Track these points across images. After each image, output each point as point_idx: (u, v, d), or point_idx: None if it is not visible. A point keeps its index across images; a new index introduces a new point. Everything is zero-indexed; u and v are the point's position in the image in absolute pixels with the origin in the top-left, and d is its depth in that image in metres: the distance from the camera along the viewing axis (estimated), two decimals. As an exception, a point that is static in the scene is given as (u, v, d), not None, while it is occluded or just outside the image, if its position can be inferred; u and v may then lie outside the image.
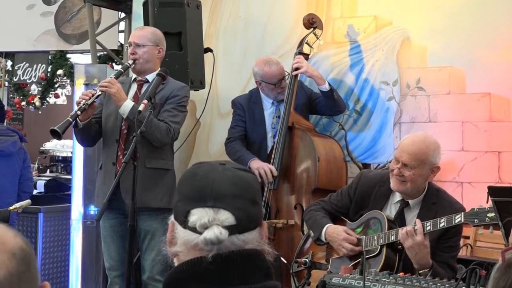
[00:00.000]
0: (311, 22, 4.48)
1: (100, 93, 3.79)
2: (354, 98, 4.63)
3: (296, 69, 4.34)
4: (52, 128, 3.67)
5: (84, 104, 3.72)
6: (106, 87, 3.77)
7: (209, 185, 1.42)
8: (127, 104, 3.79)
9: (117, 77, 3.87)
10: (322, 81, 4.32)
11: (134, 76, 4.05)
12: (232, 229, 1.39)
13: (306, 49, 4.45)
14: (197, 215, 1.40)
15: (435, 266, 2.93)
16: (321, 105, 4.44)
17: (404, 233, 2.92)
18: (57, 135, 3.69)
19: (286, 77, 4.46)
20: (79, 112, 3.72)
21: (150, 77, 3.97)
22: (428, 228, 2.92)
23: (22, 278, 1.10)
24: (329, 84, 4.33)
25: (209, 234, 1.37)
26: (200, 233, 1.39)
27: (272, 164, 4.24)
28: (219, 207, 1.40)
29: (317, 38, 4.47)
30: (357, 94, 4.62)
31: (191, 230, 1.41)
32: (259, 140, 4.49)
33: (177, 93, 3.93)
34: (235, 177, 1.44)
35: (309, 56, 4.47)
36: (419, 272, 2.88)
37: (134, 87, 4.03)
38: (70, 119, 3.71)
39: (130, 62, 3.95)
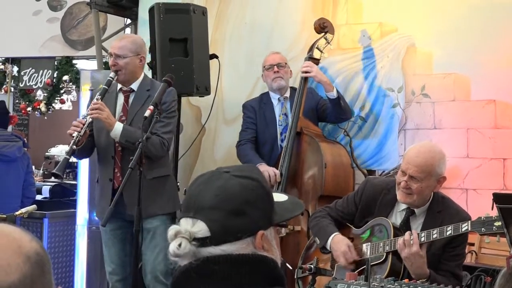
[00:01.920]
0: (322, 27, 4.48)
1: (90, 120, 3.82)
2: (359, 104, 4.64)
3: (305, 72, 4.35)
4: (52, 171, 3.83)
5: (77, 136, 3.76)
6: (97, 113, 3.79)
7: (195, 196, 1.50)
8: (118, 128, 3.83)
9: (102, 96, 3.86)
10: (330, 88, 4.32)
11: (119, 86, 4.05)
12: (205, 241, 1.44)
13: (316, 54, 4.45)
14: (181, 224, 1.48)
15: (433, 275, 2.91)
16: (328, 112, 4.44)
17: (401, 243, 2.92)
18: (58, 175, 3.81)
19: (286, 65, 4.53)
20: (74, 146, 3.76)
21: (135, 86, 4.02)
22: (435, 236, 2.90)
23: (36, 282, 1.11)
24: (337, 91, 4.33)
25: (170, 247, 1.45)
26: None
27: (280, 169, 4.24)
28: (198, 218, 1.46)
29: (328, 42, 4.46)
30: (362, 101, 4.63)
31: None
32: (271, 140, 4.50)
33: (165, 99, 3.88)
34: (221, 188, 1.48)
35: (319, 61, 4.47)
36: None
37: (121, 97, 4.05)
38: (67, 156, 3.78)
39: (112, 74, 3.94)
